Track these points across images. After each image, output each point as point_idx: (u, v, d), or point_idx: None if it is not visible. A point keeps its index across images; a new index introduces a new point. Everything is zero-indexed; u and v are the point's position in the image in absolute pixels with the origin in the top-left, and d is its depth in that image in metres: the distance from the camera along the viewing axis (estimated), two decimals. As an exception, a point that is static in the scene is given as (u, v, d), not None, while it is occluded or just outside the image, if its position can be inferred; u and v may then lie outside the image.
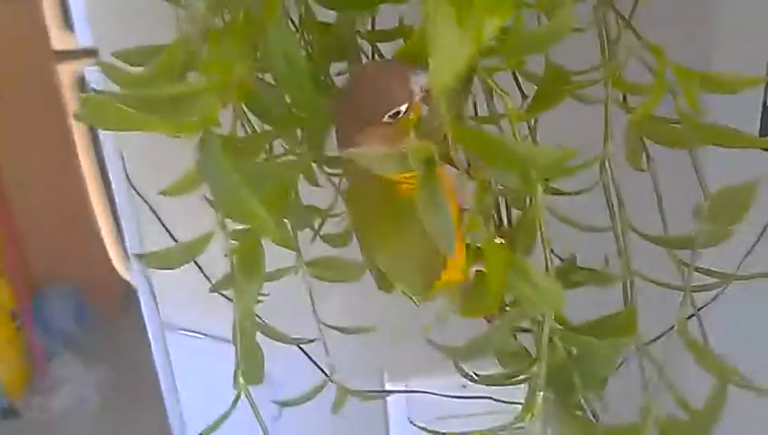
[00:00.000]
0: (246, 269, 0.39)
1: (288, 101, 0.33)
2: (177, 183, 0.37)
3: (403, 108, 0.32)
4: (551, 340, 0.32)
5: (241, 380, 0.39)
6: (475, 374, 0.42)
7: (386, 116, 0.32)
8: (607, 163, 0.35)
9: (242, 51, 0.30)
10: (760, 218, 0.70)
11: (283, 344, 0.48)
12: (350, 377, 0.55)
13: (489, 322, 0.44)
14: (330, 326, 0.52)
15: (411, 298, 0.43)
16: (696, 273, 0.34)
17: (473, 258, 0.38)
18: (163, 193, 0.37)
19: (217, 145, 0.26)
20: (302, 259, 0.44)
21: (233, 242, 0.40)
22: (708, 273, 0.35)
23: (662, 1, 0.58)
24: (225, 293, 0.46)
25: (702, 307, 0.34)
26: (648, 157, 0.35)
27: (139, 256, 0.43)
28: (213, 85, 0.26)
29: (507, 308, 0.40)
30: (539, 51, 0.32)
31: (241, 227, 0.41)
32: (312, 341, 0.48)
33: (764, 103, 0.65)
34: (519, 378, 0.36)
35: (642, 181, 0.37)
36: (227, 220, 0.40)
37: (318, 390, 0.50)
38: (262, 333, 0.43)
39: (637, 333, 0.33)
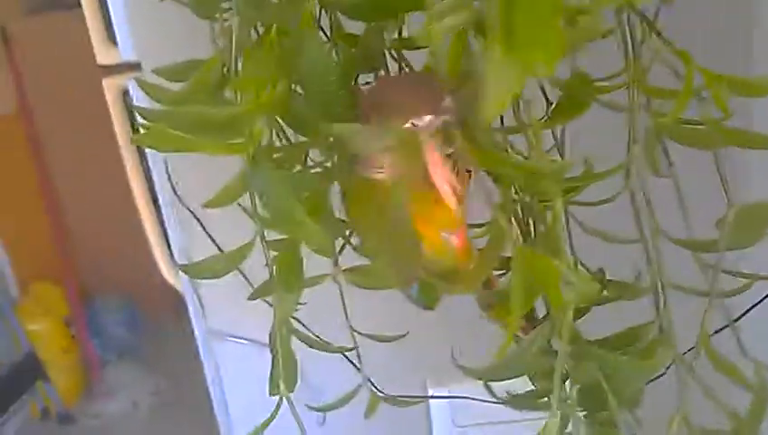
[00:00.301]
0: (286, 277, 0.40)
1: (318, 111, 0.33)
2: (218, 195, 0.38)
3: (426, 120, 0.32)
4: (581, 359, 0.32)
5: (282, 386, 0.40)
6: (506, 393, 0.42)
7: (408, 122, 0.32)
8: (633, 169, 0.34)
9: (276, 66, 0.30)
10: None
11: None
12: (393, 382, 0.55)
13: (525, 333, 0.44)
14: (364, 334, 0.52)
15: (424, 301, 0.43)
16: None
17: (494, 267, 0.37)
18: (205, 206, 0.38)
19: (267, 160, 0.27)
20: (339, 267, 0.45)
21: (272, 252, 0.40)
22: (735, 274, 0.34)
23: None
24: (268, 300, 0.47)
25: (738, 317, 0.33)
26: (669, 162, 0.35)
27: (182, 267, 0.44)
28: (257, 105, 0.27)
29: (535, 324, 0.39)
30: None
31: (279, 236, 0.42)
32: (351, 349, 0.48)
33: None
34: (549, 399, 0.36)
35: (664, 189, 0.36)
36: (267, 230, 0.40)
37: (352, 395, 0.50)
38: (303, 341, 0.43)
39: (672, 347, 0.33)
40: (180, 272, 1.00)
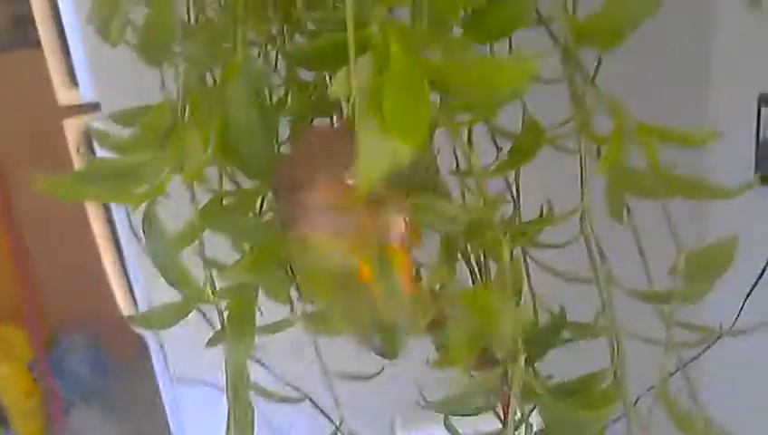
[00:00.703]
0: (237, 325, 0.39)
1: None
2: (170, 241, 0.37)
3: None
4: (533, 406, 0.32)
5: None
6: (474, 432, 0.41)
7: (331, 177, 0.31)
8: (586, 215, 0.34)
9: (217, 110, 0.30)
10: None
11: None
12: (360, 421, 0.54)
13: (478, 369, 0.43)
14: (336, 374, 0.51)
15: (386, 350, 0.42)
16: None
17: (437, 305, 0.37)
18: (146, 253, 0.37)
19: (158, 222, 0.26)
20: (296, 313, 0.44)
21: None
22: (690, 327, 0.34)
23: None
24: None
25: (689, 362, 0.33)
26: (627, 208, 0.35)
27: (132, 318, 0.43)
28: (160, 155, 0.26)
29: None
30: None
31: (228, 284, 0.41)
32: (305, 399, 0.47)
33: (758, 140, 0.64)
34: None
35: (628, 233, 0.36)
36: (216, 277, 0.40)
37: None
38: (259, 394, 0.42)
39: (623, 396, 0.33)
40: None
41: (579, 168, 0.37)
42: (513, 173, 0.40)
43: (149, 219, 0.26)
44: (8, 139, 2.07)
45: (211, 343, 0.42)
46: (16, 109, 1.99)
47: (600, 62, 0.36)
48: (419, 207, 0.29)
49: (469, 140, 0.39)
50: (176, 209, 0.41)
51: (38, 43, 0.98)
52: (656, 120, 0.31)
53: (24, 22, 2.10)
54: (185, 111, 0.35)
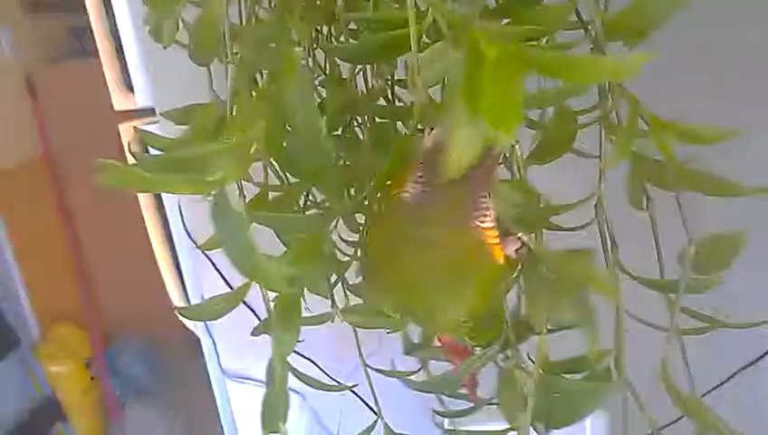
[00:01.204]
0: (283, 318, 0.40)
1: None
2: (212, 238, 0.39)
3: None
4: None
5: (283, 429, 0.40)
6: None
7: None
8: (601, 202, 0.35)
9: (264, 109, 0.31)
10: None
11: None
12: (404, 419, 0.55)
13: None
14: (376, 370, 0.52)
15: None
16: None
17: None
18: (200, 248, 0.39)
19: (229, 205, 0.27)
20: (336, 308, 0.45)
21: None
22: (694, 315, 0.34)
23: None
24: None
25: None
26: (647, 198, 0.35)
27: (181, 310, 0.44)
28: (228, 146, 0.27)
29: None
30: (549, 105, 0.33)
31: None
32: (353, 386, 0.48)
33: None
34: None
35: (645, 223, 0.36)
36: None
37: (368, 432, 0.50)
38: (299, 378, 0.43)
39: (623, 376, 0.33)
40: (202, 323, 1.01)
41: (597, 159, 0.37)
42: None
43: (220, 205, 0.27)
44: (66, 145, 2.14)
45: (257, 331, 0.43)
46: (73, 116, 2.05)
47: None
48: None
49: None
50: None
51: (95, 53, 1.02)
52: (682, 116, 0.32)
53: (81, 33, 2.16)
54: (233, 110, 0.36)
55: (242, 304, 0.94)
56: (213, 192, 0.27)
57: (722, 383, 0.82)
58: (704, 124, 0.29)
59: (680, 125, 0.29)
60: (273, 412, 0.37)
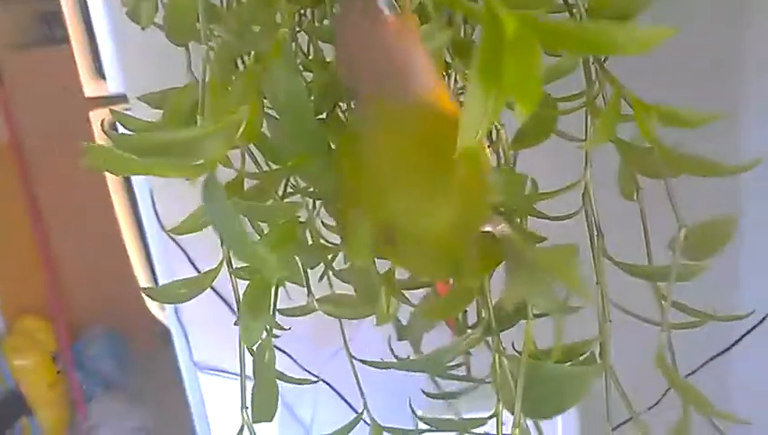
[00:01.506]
0: (252, 306, 0.39)
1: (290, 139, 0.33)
2: (183, 223, 0.38)
3: None
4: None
5: (245, 415, 0.39)
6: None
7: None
8: (588, 190, 0.35)
9: (248, 92, 0.31)
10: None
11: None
12: (384, 413, 0.54)
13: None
14: (360, 360, 0.51)
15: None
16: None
17: None
18: (173, 231, 0.38)
19: (220, 189, 0.27)
20: (313, 296, 0.44)
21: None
22: (684, 309, 0.34)
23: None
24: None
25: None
26: (637, 187, 0.35)
27: (147, 290, 0.43)
28: (216, 129, 0.27)
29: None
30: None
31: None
32: (320, 380, 0.48)
33: None
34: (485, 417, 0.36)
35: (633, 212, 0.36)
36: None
37: (349, 428, 0.49)
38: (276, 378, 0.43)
39: (607, 365, 0.33)
40: (169, 307, 1.00)
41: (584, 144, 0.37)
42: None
43: (211, 190, 0.26)
44: (35, 132, 2.10)
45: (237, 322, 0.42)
46: (42, 103, 2.02)
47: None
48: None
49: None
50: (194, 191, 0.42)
51: (64, 40, 1.00)
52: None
53: (49, 19, 2.13)
54: (211, 93, 0.35)
55: (214, 296, 0.93)
56: (201, 176, 0.26)
57: (693, 372, 0.83)
58: (687, 107, 0.29)
59: (663, 107, 0.29)
60: (260, 402, 0.36)
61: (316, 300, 0.43)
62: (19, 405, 2.11)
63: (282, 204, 0.40)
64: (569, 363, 0.33)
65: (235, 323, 0.46)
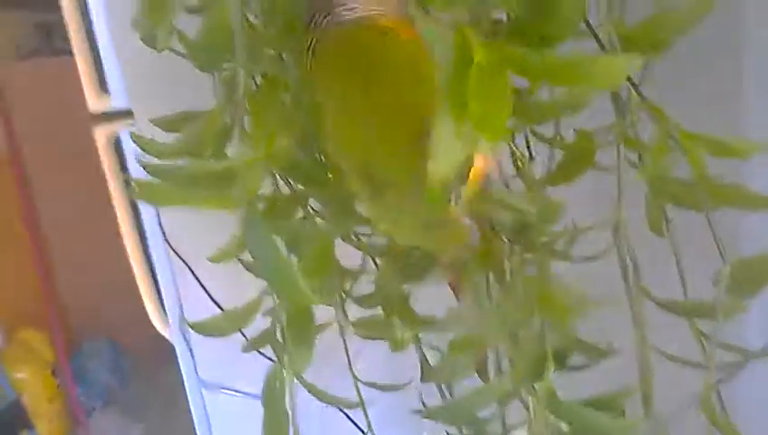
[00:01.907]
0: (297, 333, 0.39)
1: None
2: (222, 251, 0.37)
3: None
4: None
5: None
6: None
7: None
8: (621, 226, 0.34)
9: (281, 119, 0.30)
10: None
11: (318, 405, 0.47)
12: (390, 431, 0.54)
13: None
14: (367, 384, 0.51)
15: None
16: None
17: None
18: (211, 260, 0.37)
19: (261, 220, 0.26)
20: (346, 318, 0.44)
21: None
22: (728, 348, 0.33)
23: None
24: (263, 351, 0.46)
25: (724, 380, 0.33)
26: (666, 220, 0.34)
27: (191, 325, 0.42)
28: (257, 159, 0.26)
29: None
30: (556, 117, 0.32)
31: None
32: (356, 405, 0.47)
33: None
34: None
35: (662, 247, 0.35)
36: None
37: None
38: (304, 386, 0.42)
39: (651, 414, 0.32)
40: (171, 320, 0.99)
41: (616, 179, 0.36)
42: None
43: (250, 220, 0.26)
44: (36, 144, 2.09)
45: (256, 344, 0.42)
46: (41, 116, 2.01)
47: (645, 68, 0.35)
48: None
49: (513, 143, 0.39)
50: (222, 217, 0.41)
51: (63, 51, 0.99)
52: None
53: (48, 29, 2.12)
54: (241, 116, 0.35)
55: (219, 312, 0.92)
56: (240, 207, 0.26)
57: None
58: (734, 136, 0.29)
59: (711, 137, 0.28)
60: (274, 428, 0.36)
61: (352, 324, 0.43)
62: (20, 418, 2.10)
63: (315, 226, 0.39)
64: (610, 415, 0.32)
65: (244, 350, 0.45)
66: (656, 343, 0.35)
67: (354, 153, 0.31)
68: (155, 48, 0.43)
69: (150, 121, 0.49)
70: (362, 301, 0.46)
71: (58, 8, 1.01)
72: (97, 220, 1.68)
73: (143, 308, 1.07)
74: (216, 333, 0.39)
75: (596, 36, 0.35)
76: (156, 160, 0.40)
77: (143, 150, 0.40)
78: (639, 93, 0.32)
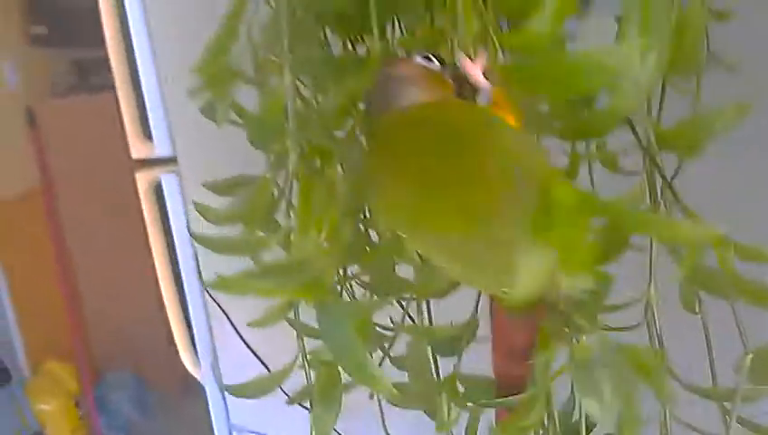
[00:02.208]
0: (325, 397, 0.41)
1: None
2: (267, 316, 0.39)
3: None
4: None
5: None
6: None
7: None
8: (651, 304, 0.36)
9: (335, 204, 0.32)
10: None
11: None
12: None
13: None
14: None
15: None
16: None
17: None
18: (251, 325, 0.39)
19: (333, 304, 0.28)
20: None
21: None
22: (754, 429, 0.34)
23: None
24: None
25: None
26: (699, 300, 0.36)
27: (228, 387, 0.45)
28: (328, 251, 0.28)
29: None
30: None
31: (319, 352, 0.42)
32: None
33: None
34: None
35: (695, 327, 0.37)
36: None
37: None
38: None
39: None
40: (206, 367, 1.00)
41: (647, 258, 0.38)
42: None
43: (323, 304, 0.28)
44: (70, 179, 2.13)
45: (297, 398, 0.43)
46: (77, 152, 2.05)
47: (679, 167, 0.37)
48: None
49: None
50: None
51: (100, 88, 1.01)
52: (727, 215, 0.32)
53: (83, 67, 2.17)
54: (290, 191, 0.37)
55: (252, 357, 0.94)
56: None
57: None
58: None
59: (741, 244, 0.30)
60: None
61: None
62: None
63: (360, 302, 0.41)
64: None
65: (289, 403, 0.47)
66: (680, 414, 0.37)
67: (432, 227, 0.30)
68: (214, 121, 0.45)
69: (203, 185, 0.50)
70: (398, 361, 0.47)
71: (94, 45, 1.03)
72: (124, 253, 1.71)
73: (173, 345, 1.08)
74: (257, 393, 0.41)
75: (634, 131, 0.36)
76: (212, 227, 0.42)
77: (202, 216, 0.42)
78: (674, 192, 0.34)
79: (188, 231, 0.94)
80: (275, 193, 0.40)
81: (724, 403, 0.34)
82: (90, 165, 1.99)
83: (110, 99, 1.01)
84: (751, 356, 0.33)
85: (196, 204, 0.43)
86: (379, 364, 0.48)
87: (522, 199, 0.25)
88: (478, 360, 0.43)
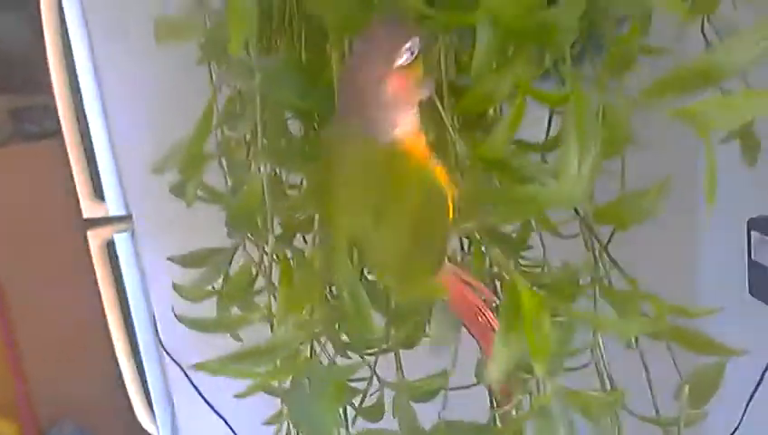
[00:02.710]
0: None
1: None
2: (248, 389, 0.42)
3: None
4: None
5: None
6: None
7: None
8: (597, 347, 0.41)
9: (316, 285, 0.35)
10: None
11: None
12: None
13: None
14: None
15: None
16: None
17: None
18: (238, 396, 0.42)
19: (306, 390, 0.31)
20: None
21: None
22: None
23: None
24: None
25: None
26: (635, 339, 0.41)
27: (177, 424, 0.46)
28: (301, 335, 0.31)
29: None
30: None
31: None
32: None
33: (750, 259, 0.69)
34: None
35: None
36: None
37: None
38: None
39: None
40: (159, 417, 1.00)
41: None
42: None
43: (295, 390, 0.31)
44: (8, 235, 2.07)
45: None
46: (16, 203, 2.00)
47: (612, 235, 0.42)
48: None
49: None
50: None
51: (36, 136, 0.98)
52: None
53: (19, 115, 2.13)
54: (270, 275, 0.40)
55: (216, 419, 0.94)
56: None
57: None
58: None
59: (670, 305, 0.35)
60: None
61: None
62: None
63: (336, 368, 0.44)
64: None
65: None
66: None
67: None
68: (184, 200, 0.48)
69: (170, 259, 0.52)
70: (368, 413, 0.50)
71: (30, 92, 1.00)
72: (69, 310, 1.68)
73: (113, 394, 1.05)
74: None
75: (576, 210, 0.42)
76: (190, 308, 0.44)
77: (182, 297, 0.45)
78: (611, 258, 0.39)
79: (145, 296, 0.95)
80: (254, 272, 0.43)
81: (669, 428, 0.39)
82: (25, 216, 1.94)
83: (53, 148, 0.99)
84: (688, 385, 0.38)
85: (175, 285, 0.45)
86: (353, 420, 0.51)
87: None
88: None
